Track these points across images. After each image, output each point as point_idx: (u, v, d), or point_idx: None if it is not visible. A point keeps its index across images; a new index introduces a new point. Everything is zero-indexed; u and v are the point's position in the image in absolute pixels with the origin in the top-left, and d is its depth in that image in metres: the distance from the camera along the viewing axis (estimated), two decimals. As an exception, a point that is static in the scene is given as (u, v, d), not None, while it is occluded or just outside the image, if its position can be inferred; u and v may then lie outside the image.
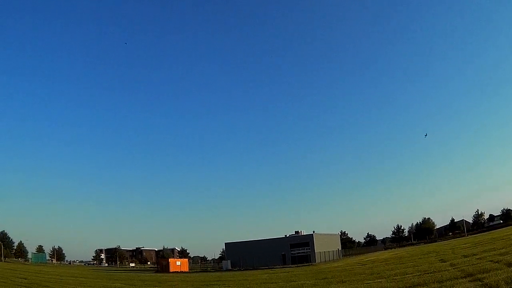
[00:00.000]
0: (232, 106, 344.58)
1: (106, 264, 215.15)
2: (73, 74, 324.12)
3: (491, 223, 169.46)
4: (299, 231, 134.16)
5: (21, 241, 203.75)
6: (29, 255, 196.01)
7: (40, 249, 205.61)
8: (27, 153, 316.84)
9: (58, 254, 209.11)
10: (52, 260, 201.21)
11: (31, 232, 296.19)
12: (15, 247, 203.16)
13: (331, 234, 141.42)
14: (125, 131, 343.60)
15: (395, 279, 29.30)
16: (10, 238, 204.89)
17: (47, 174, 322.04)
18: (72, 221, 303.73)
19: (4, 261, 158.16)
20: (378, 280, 30.85)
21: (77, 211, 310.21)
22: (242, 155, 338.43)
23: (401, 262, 51.39)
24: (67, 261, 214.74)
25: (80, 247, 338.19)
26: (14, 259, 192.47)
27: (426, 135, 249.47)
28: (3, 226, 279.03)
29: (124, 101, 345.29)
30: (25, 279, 50.57)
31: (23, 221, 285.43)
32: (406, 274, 31.91)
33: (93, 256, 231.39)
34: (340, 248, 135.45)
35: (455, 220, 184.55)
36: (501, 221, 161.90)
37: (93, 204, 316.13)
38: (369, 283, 29.66)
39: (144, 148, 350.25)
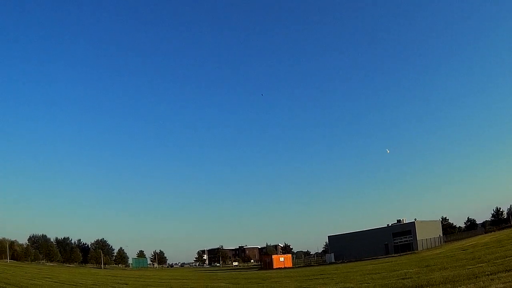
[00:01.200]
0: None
1: (209, 265, 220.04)
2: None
3: None
4: (401, 220, 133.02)
5: (121, 248, 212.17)
6: (130, 261, 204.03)
7: (141, 254, 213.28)
8: (127, 165, 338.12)
9: (159, 258, 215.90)
10: (153, 264, 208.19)
11: (131, 238, 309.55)
12: (115, 254, 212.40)
13: (432, 221, 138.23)
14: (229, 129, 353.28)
15: (496, 263, 30.61)
16: (109, 245, 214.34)
17: (146, 182, 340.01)
18: (173, 224, 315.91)
19: (104, 268, 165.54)
20: (479, 265, 31.77)
21: (177, 213, 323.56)
22: (341, 145, 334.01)
23: (501, 245, 52.16)
24: (168, 264, 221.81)
25: (182, 249, 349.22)
26: (114, 265, 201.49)
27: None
28: (103, 234, 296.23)
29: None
30: (126, 284, 50.85)
31: (123, 228, 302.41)
32: (506, 257, 33.11)
33: (195, 258, 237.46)
34: (441, 234, 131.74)
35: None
36: None
37: (194, 206, 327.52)
38: (470, 268, 30.41)
39: (244, 145, 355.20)
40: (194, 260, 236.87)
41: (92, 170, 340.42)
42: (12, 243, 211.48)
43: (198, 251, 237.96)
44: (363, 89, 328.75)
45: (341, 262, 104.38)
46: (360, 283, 32.56)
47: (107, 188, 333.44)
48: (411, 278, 30.59)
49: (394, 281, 29.42)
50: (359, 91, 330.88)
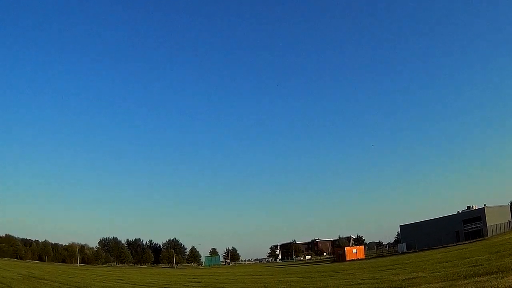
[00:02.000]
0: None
1: (282, 260, 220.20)
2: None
3: None
4: (471, 206, 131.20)
5: (193, 246, 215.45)
6: (202, 259, 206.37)
7: (213, 252, 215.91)
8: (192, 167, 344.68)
9: (232, 254, 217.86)
10: (226, 262, 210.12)
11: (204, 236, 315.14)
12: (187, 253, 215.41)
13: (501, 206, 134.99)
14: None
15: None
16: (181, 244, 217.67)
17: (216, 179, 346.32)
18: (245, 220, 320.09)
19: (176, 268, 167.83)
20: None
21: (249, 209, 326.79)
22: (409, 134, 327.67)
23: None
24: (241, 260, 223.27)
25: (255, 245, 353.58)
26: (186, 264, 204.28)
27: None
28: (175, 233, 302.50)
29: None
30: (199, 282, 50.59)
31: (195, 227, 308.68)
32: None
33: (268, 253, 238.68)
34: (510, 220, 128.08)
35: None
36: None
37: (266, 201, 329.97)
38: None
39: (312, 136, 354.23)
40: (267, 256, 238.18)
41: (161, 171, 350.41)
42: (82, 247, 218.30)
43: (271, 246, 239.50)
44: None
45: (412, 252, 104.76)
46: (432, 272, 33.01)
47: (178, 188, 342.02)
48: (481, 265, 31.22)
49: (465, 269, 30.03)
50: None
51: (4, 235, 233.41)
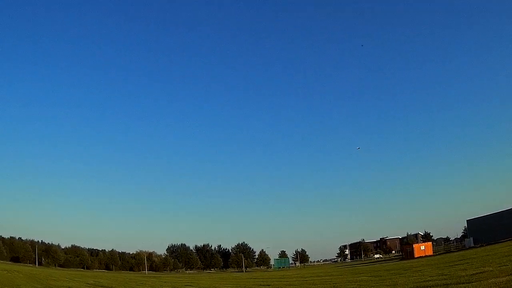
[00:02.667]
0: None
1: (351, 260, 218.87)
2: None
3: None
4: None
5: (262, 250, 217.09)
6: (272, 262, 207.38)
7: (283, 254, 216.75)
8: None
9: (301, 256, 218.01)
10: (295, 264, 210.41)
11: (273, 239, 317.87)
12: (256, 257, 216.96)
13: None
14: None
15: None
16: (251, 248, 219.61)
17: (287, 181, 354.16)
18: (313, 221, 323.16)
19: (246, 271, 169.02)
20: None
21: (317, 210, 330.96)
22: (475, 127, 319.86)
23: None
24: (310, 262, 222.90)
25: (324, 246, 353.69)
26: (255, 268, 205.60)
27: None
28: (243, 238, 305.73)
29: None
30: (268, 285, 51.04)
31: (264, 230, 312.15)
32: None
33: (337, 253, 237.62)
34: None
35: None
36: None
37: (334, 201, 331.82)
38: None
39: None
40: (336, 256, 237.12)
41: (228, 176, 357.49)
42: (150, 255, 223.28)
43: (340, 246, 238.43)
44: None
45: (480, 246, 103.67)
46: (499, 266, 33.07)
47: (247, 192, 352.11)
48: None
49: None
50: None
51: (70, 245, 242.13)
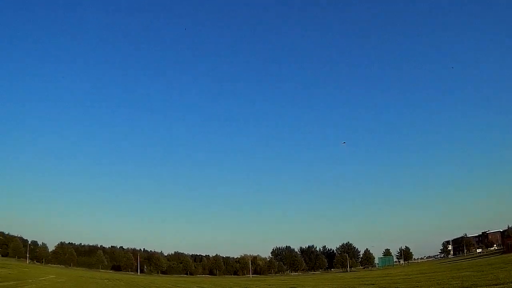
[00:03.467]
0: None
1: (453, 255, 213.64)
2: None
3: None
4: None
5: (367, 249, 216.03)
6: (376, 261, 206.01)
7: (387, 252, 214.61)
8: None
9: (405, 254, 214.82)
10: (399, 261, 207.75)
11: (377, 238, 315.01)
12: (361, 256, 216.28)
13: None
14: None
15: None
16: (355, 248, 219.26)
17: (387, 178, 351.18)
18: (416, 217, 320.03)
19: (350, 271, 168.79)
20: None
21: (420, 205, 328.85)
22: None
23: None
24: (414, 259, 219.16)
25: (427, 242, 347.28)
26: (360, 267, 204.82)
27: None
28: (347, 237, 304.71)
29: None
30: (373, 284, 51.82)
31: (368, 229, 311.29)
32: None
33: (440, 249, 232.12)
34: None
35: None
36: None
37: (430, 195, 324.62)
38: None
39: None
40: (439, 252, 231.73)
41: (330, 176, 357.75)
42: (254, 258, 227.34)
43: (443, 242, 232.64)
44: None
45: None
46: None
47: (349, 192, 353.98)
48: None
49: None
50: None
51: (173, 252, 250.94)
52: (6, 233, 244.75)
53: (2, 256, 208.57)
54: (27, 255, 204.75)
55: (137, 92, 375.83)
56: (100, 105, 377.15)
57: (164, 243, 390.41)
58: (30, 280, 57.87)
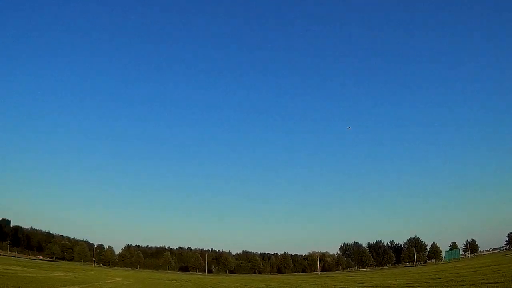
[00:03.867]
0: None
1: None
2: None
3: None
4: None
5: (434, 242, 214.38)
6: (443, 254, 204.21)
7: (453, 245, 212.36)
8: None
9: (471, 246, 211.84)
10: (465, 254, 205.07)
11: (444, 231, 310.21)
12: (428, 250, 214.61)
13: None
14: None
15: None
16: (422, 242, 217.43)
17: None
18: (482, 208, 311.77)
19: (417, 266, 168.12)
20: None
21: (486, 196, 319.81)
22: None
23: None
24: (480, 251, 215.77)
25: (493, 234, 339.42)
26: (428, 261, 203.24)
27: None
28: (415, 231, 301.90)
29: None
30: (439, 278, 53.00)
31: (434, 223, 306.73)
32: None
33: (506, 241, 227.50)
34: None
35: None
36: None
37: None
38: None
39: None
40: (505, 244, 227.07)
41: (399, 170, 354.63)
42: (322, 255, 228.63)
43: (508, 234, 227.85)
44: None
45: None
46: None
47: (416, 185, 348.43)
48: None
49: None
50: None
51: (241, 251, 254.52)
52: (72, 237, 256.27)
53: (68, 260, 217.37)
54: (93, 258, 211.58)
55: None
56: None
57: (232, 242, 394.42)
58: (96, 283, 60.77)
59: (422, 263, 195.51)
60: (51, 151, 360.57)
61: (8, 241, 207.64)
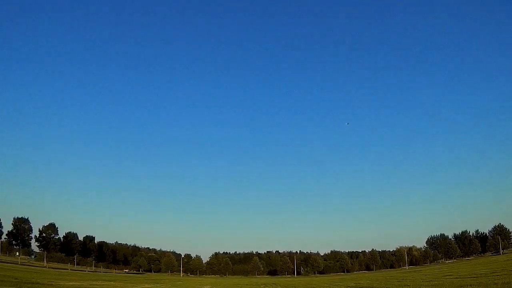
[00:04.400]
0: None
1: None
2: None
3: None
4: None
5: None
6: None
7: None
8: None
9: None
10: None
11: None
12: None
13: None
14: None
15: None
16: (507, 229, 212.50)
17: None
18: None
19: (502, 254, 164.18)
20: None
21: None
22: None
23: None
24: None
25: None
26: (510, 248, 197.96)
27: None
28: (498, 219, 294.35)
29: None
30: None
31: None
32: None
33: None
34: None
35: None
36: None
37: None
38: None
39: None
40: None
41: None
42: (410, 249, 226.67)
43: None
44: None
45: None
46: None
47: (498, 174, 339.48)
48: None
49: None
50: None
51: (329, 251, 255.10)
52: (158, 249, 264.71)
53: (155, 272, 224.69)
54: (181, 268, 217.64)
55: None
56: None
57: (320, 243, 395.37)
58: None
59: (506, 251, 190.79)
60: (132, 171, 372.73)
61: (93, 257, 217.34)
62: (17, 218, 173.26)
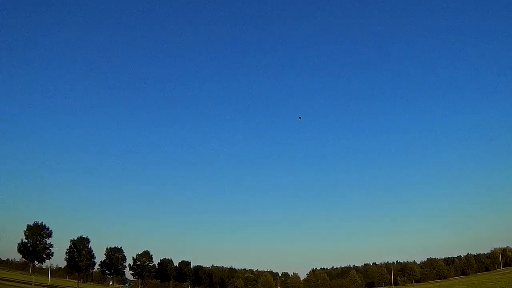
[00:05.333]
0: None
1: None
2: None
3: None
4: None
5: None
6: None
7: None
8: None
9: None
10: None
11: None
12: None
13: None
14: None
15: None
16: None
17: None
18: None
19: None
20: None
21: None
22: None
23: None
24: None
25: None
26: None
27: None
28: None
29: None
30: None
31: None
32: None
33: None
34: None
35: None
36: None
37: None
38: None
39: None
40: None
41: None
42: (504, 250, 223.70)
43: None
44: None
45: None
46: None
47: None
48: None
49: None
50: None
51: (426, 259, 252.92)
52: (255, 269, 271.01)
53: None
54: (278, 287, 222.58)
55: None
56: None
57: (416, 250, 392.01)
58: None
59: None
60: (224, 193, 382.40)
61: (189, 282, 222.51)
62: (110, 248, 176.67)
